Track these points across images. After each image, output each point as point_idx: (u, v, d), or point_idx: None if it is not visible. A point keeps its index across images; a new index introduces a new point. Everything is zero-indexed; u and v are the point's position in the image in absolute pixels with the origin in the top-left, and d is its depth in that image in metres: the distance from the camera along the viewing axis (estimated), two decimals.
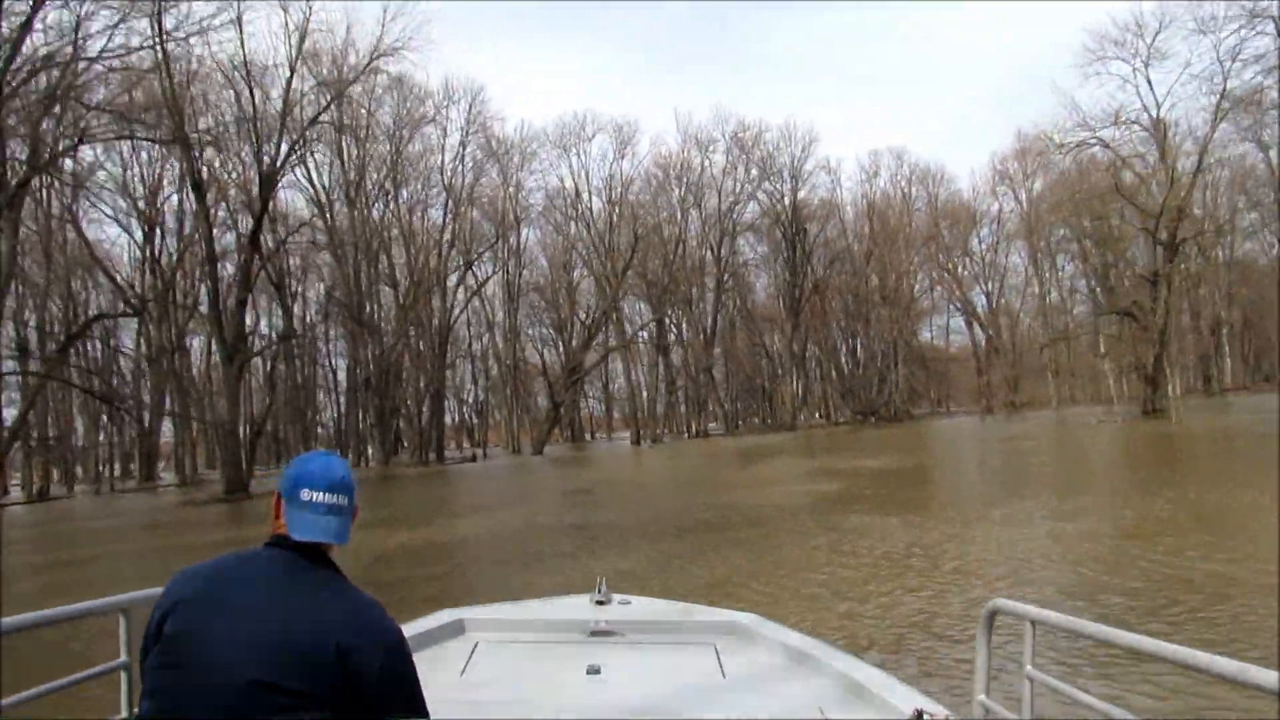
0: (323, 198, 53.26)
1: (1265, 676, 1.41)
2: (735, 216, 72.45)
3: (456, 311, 63.94)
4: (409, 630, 3.04)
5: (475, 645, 3.41)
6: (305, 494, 1.80)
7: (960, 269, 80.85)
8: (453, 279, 62.52)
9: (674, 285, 66.04)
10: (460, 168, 60.33)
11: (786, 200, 72.99)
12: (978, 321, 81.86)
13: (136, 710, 1.71)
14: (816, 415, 79.94)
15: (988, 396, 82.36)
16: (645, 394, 76.99)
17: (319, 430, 69.61)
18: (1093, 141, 42.99)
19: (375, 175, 56.07)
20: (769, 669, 3.06)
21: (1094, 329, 44.00)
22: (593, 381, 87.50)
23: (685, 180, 69.78)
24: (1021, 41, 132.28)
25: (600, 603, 3.90)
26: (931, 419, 76.06)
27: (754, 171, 71.92)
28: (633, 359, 78.89)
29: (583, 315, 69.73)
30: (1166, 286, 40.32)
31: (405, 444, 60.53)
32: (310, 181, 52.33)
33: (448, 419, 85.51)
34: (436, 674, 2.87)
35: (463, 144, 60.23)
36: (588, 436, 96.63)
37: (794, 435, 61.21)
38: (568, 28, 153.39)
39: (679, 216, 69.24)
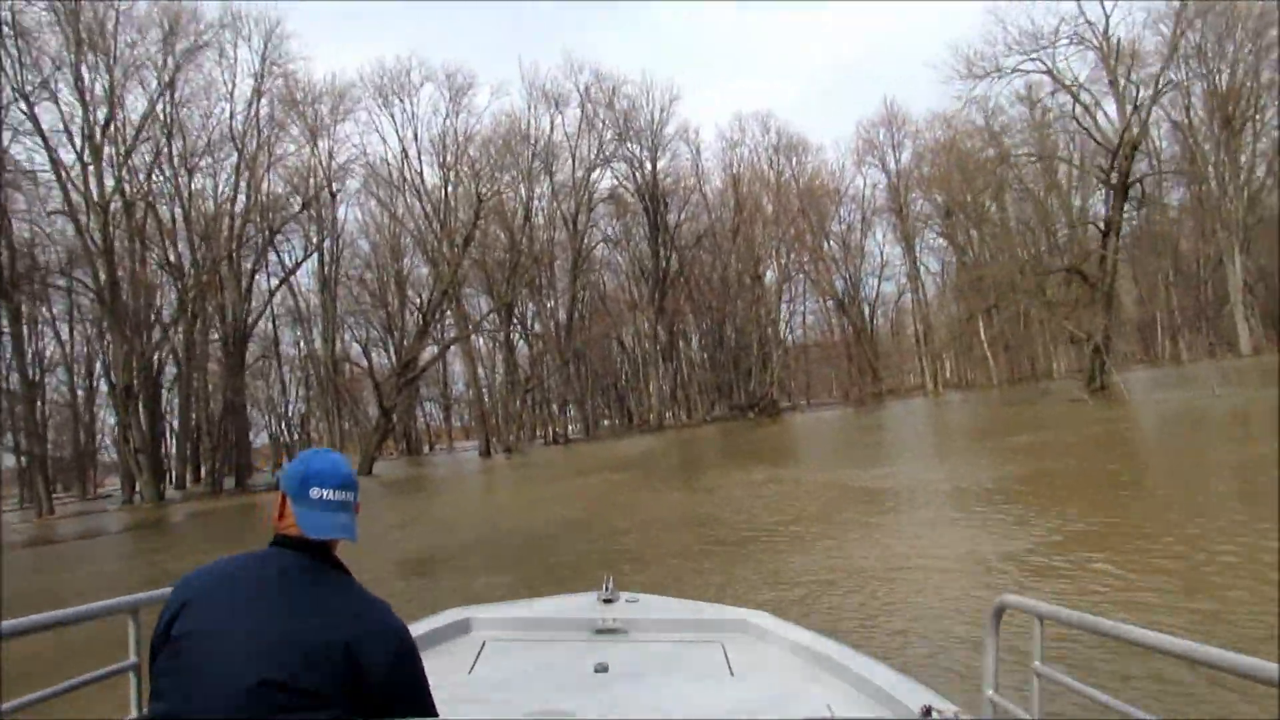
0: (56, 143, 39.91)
1: (1268, 669, 1.37)
2: (592, 186, 63.27)
3: (257, 303, 52.00)
4: (416, 629, 2.99)
5: (483, 644, 3.37)
6: (315, 492, 1.79)
7: (827, 247, 75.05)
8: (254, 263, 50.30)
9: (523, 267, 56.08)
10: (254, 119, 48.19)
11: (646, 168, 64.50)
12: (842, 307, 76.08)
13: (146, 711, 1.73)
14: (684, 413, 71.99)
15: (860, 386, 77.41)
16: (492, 396, 66.96)
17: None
18: (1030, 64, 36.11)
19: (133, 117, 43.16)
20: (778, 667, 3.04)
21: (1037, 289, 37.66)
22: (430, 384, 76.70)
23: (534, 141, 59.95)
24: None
25: (607, 600, 3.78)
26: (817, 410, 69.51)
27: (609, 134, 63.06)
28: (477, 356, 68.64)
29: (417, 303, 58.75)
30: (1115, 235, 34.24)
31: (202, 469, 48.00)
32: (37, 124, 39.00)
33: (263, 435, 73.20)
34: (444, 673, 2.71)
35: (257, 91, 48.12)
36: (426, 448, 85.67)
37: (661, 437, 53.05)
38: None
39: (526, 185, 59.21)
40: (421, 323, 46.85)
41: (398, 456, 77.34)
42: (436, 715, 1.80)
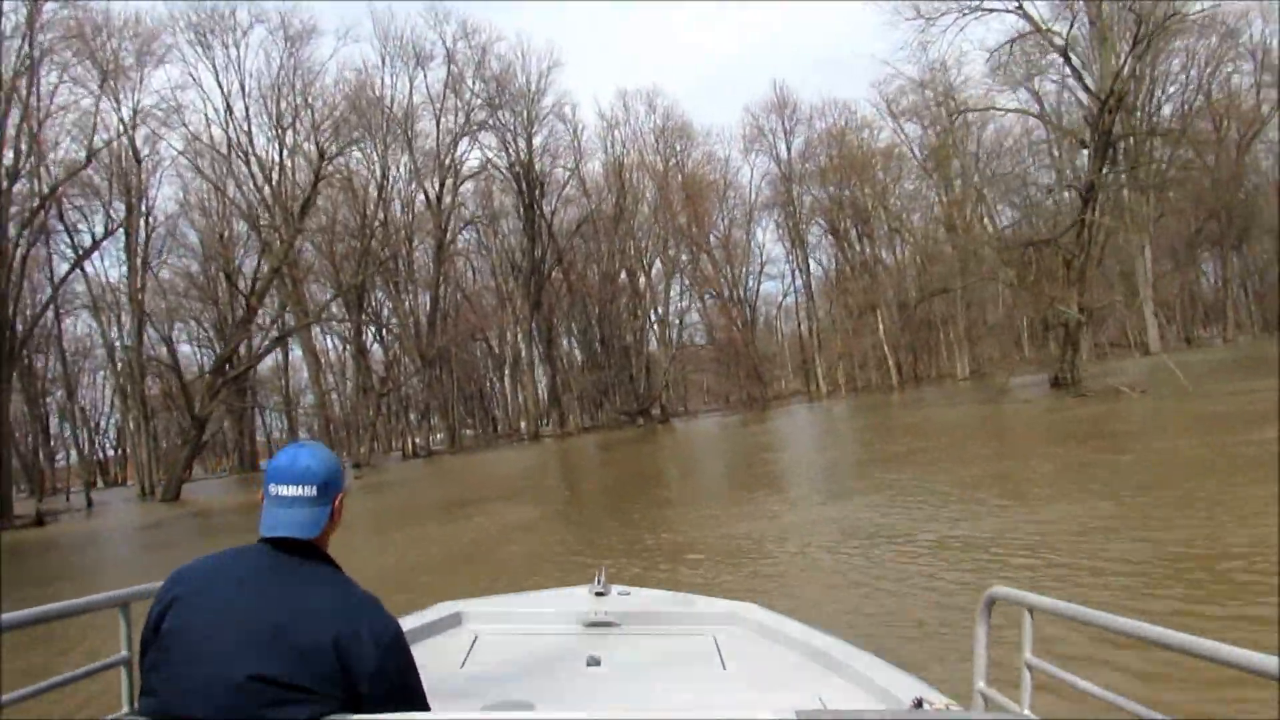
0: None
1: (1268, 662, 1.37)
2: (458, 160, 55.38)
3: (32, 290, 41.80)
4: (407, 623, 3.07)
5: (474, 637, 3.37)
6: (274, 488, 1.79)
7: (714, 240, 69.57)
8: (29, 237, 39.97)
9: (375, 250, 47.71)
10: (29, 59, 38.06)
11: (520, 144, 57.14)
12: (727, 306, 70.76)
13: (137, 706, 1.70)
14: (560, 421, 64.84)
15: (747, 391, 72.37)
16: (342, 404, 58.12)
17: None
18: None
19: None
20: (769, 658, 3.03)
21: (1019, 262, 32.56)
22: (272, 390, 66.85)
23: (389, 103, 51.59)
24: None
25: (599, 594, 3.78)
26: (708, 416, 63.61)
27: (479, 100, 55.38)
28: (326, 360, 59.57)
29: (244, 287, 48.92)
30: (1095, 201, 29.47)
31: None
32: None
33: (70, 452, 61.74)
34: (435, 666, 2.67)
35: (29, 25, 38.06)
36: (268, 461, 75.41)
37: (539, 449, 46.27)
38: None
39: (380, 153, 50.76)
40: (245, 311, 37.72)
41: (231, 474, 67.28)
42: (428, 709, 1.80)
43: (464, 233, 61.56)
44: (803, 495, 14.45)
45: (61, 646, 8.59)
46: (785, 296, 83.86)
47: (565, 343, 69.70)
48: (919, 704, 2.23)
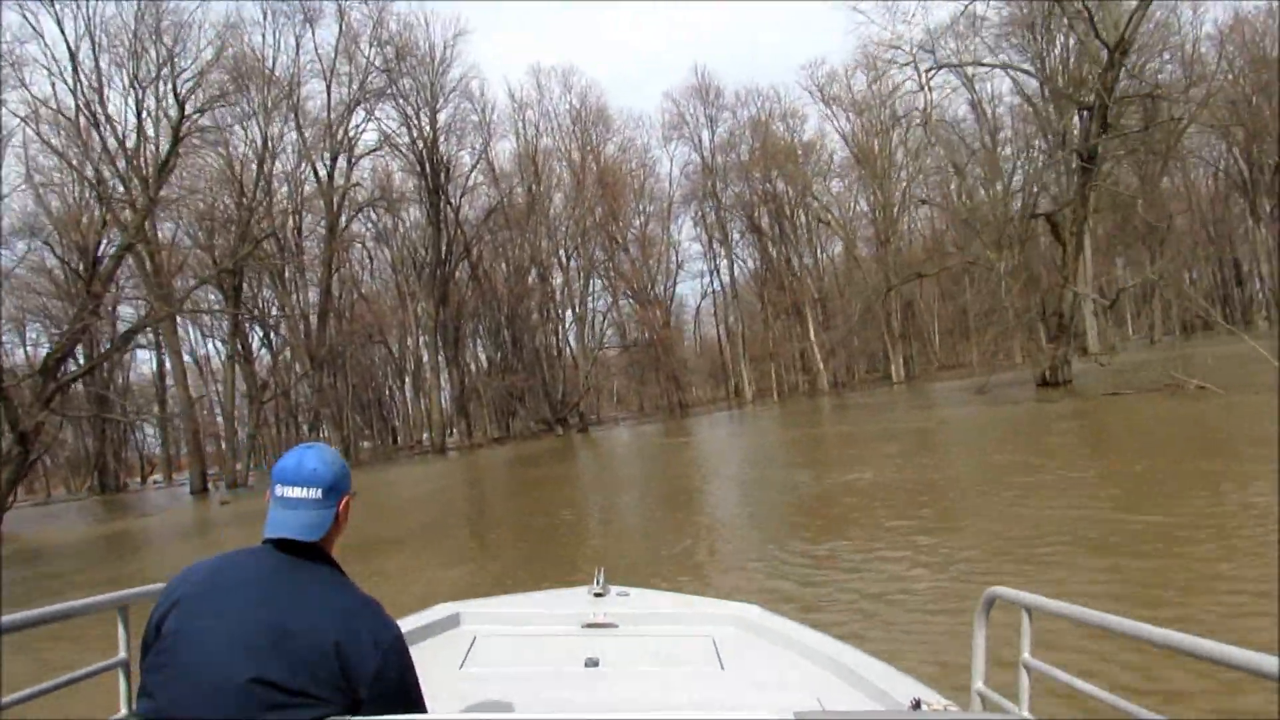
0: None
1: (1267, 662, 1.37)
2: (353, 134, 49.16)
3: None
4: (406, 624, 3.09)
5: (473, 638, 3.33)
6: (279, 490, 1.80)
7: (633, 233, 64.85)
8: None
9: (254, 231, 41.20)
10: None
11: (424, 120, 51.22)
12: (645, 306, 66.27)
13: (135, 708, 1.69)
14: (467, 431, 59.18)
15: (668, 396, 68.02)
16: (225, 414, 51.10)
17: None
18: None
19: None
20: (768, 660, 3.01)
21: (991, 247, 28.83)
22: (149, 399, 59.11)
23: (270, 63, 45.10)
24: None
25: (598, 595, 3.81)
26: (631, 425, 58.79)
27: (375, 66, 49.23)
28: (206, 368, 52.46)
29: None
30: (1093, 172, 25.85)
31: None
32: None
33: None
34: (434, 667, 2.74)
35: None
36: (138, 481, 67.31)
37: (447, 464, 40.92)
38: None
39: (261, 121, 44.18)
40: (86, 294, 30.90)
41: (89, 495, 59.05)
42: (426, 711, 1.80)
43: (361, 221, 55.22)
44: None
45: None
46: (704, 297, 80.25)
47: (473, 345, 64.09)
48: (917, 705, 2.22)
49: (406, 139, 50.99)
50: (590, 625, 3.45)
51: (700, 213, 69.27)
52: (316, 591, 1.72)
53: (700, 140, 66.04)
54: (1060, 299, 26.93)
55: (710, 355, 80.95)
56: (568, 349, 61.31)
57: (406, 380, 69.01)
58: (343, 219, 48.12)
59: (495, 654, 3.16)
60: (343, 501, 1.86)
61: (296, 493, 1.79)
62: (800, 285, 65.60)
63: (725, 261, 68.16)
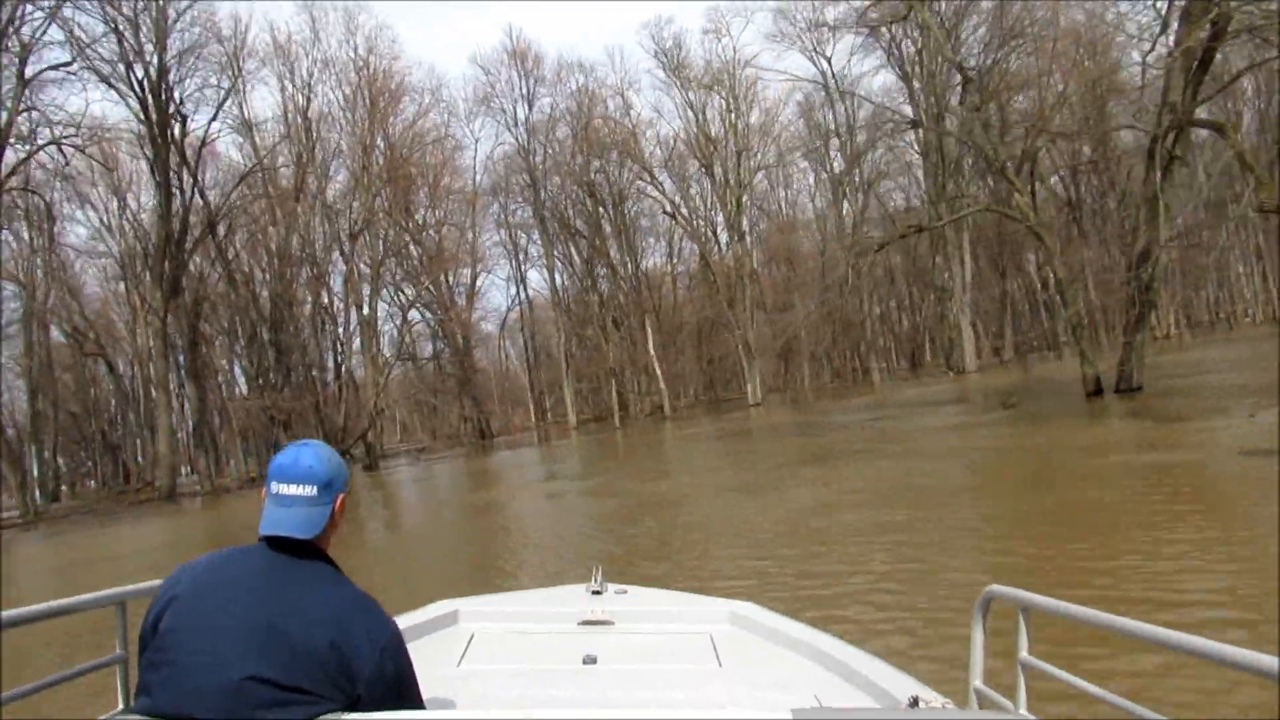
0: None
1: (1267, 661, 1.37)
2: (30, 39, 34.57)
3: None
4: (403, 621, 3.05)
5: (470, 636, 3.29)
6: (274, 487, 1.79)
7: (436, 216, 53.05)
8: None
9: None
10: None
11: (144, 35, 37.09)
12: (443, 320, 54.76)
13: (133, 705, 1.70)
14: (209, 469, 45.23)
15: (473, 424, 56.70)
16: None
17: None
18: None
19: None
20: (766, 657, 3.01)
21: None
22: None
23: None
24: None
25: (596, 592, 3.79)
26: (427, 461, 46.56)
27: None
28: None
29: None
30: (1195, 86, 17.64)
31: None
32: None
33: None
34: (431, 665, 2.60)
35: None
36: None
37: (172, 523, 28.68)
38: None
39: None
40: None
41: None
42: (423, 708, 1.81)
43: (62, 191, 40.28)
44: None
45: None
46: (510, 308, 69.50)
47: (231, 359, 50.12)
48: (915, 703, 2.23)
49: (115, 55, 36.45)
50: (588, 622, 3.42)
51: (505, 205, 58.84)
52: (313, 589, 1.71)
53: (515, 117, 55.47)
54: (1147, 266, 18.28)
55: (544, 374, 69.99)
56: (353, 364, 48.75)
57: (141, 403, 53.76)
58: (7, 155, 33.25)
59: (493, 651, 3.14)
60: (338, 499, 1.84)
61: (292, 490, 1.77)
62: (637, 292, 56.46)
63: (545, 264, 57.46)
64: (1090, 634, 4.46)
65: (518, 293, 67.83)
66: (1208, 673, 4.38)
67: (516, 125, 55.04)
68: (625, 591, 3.85)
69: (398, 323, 50.26)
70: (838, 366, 75.22)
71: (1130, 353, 19.10)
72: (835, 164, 59.99)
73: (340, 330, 47.91)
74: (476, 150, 71.33)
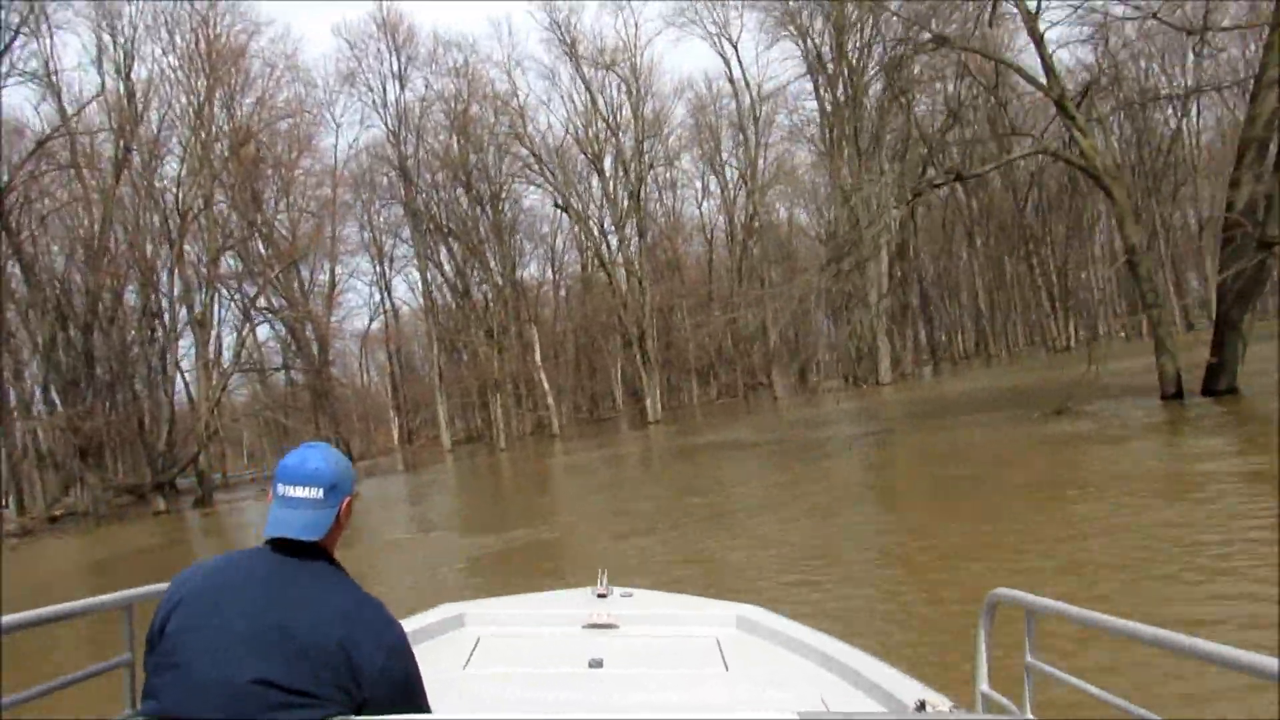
0: None
1: (1267, 663, 1.35)
2: None
3: None
4: (410, 624, 3.02)
5: (477, 639, 3.33)
6: (280, 489, 1.79)
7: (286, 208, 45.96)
8: None
9: None
10: None
11: None
12: (292, 331, 47.91)
13: (140, 708, 1.70)
14: (15, 504, 36.89)
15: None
16: None
17: None
18: None
19: None
20: (772, 661, 3.02)
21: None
22: None
23: None
24: None
25: (602, 596, 3.80)
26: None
27: None
28: None
29: None
30: None
31: None
32: None
33: None
34: (437, 668, 2.65)
35: None
36: None
37: None
38: None
39: None
40: None
41: None
42: (430, 711, 1.79)
43: None
44: None
45: None
46: (373, 318, 62.57)
47: (27, 372, 41.43)
48: (921, 706, 2.21)
49: None
50: (594, 626, 3.41)
51: (370, 201, 52.35)
52: (319, 591, 1.70)
53: (385, 98, 49.06)
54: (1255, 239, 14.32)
55: (410, 390, 63.14)
56: (181, 378, 41.17)
57: None
58: None
59: (499, 655, 3.15)
60: (344, 502, 1.82)
61: (298, 492, 1.76)
62: (518, 298, 50.85)
63: (417, 265, 51.08)
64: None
65: (382, 300, 61.17)
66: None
67: (385, 108, 48.63)
68: (630, 594, 3.82)
69: (240, 328, 42.67)
70: (726, 382, 71.84)
71: (1228, 343, 15.29)
72: (736, 162, 56.35)
73: (165, 335, 40.23)
74: (338, 137, 64.22)
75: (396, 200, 51.24)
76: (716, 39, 49.22)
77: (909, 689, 2.41)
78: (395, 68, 48.24)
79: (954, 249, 59.60)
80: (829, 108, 46.51)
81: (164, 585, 1.87)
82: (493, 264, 51.64)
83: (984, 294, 58.73)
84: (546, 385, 47.47)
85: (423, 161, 49.84)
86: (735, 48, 50.71)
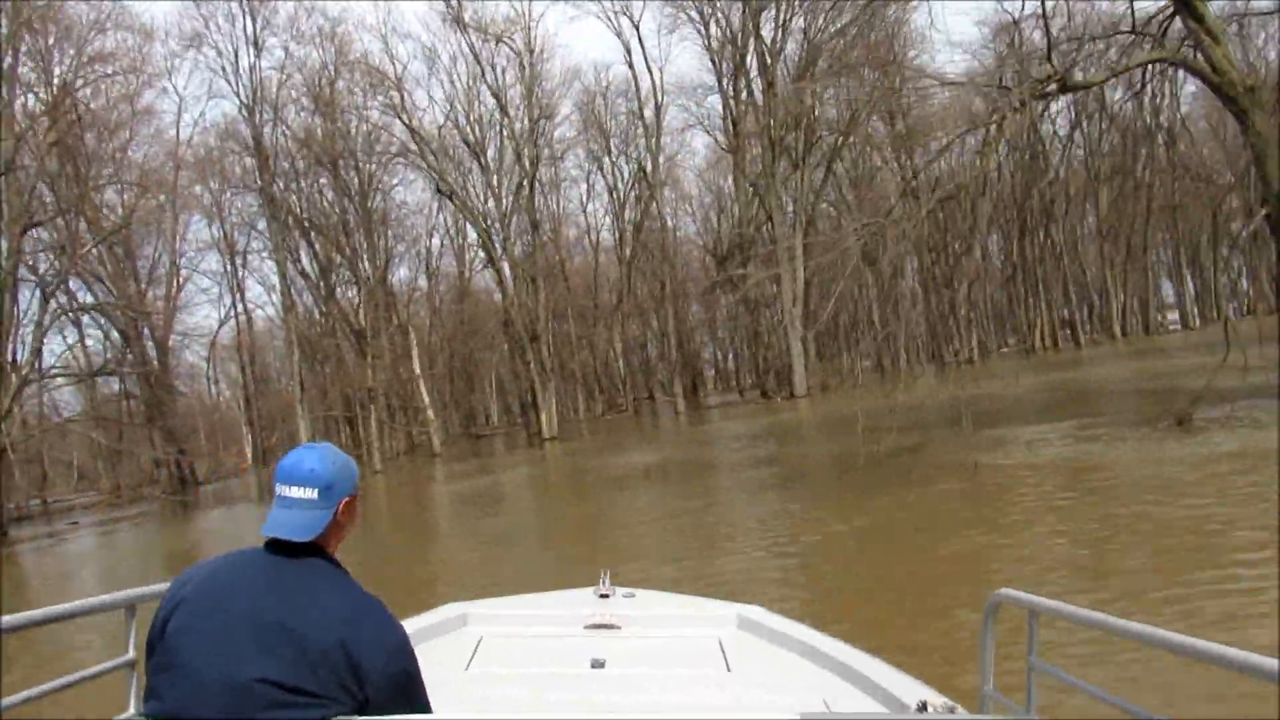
0: None
1: (1267, 664, 1.37)
2: None
3: None
4: (412, 624, 3.09)
5: (479, 639, 3.34)
6: (279, 489, 1.79)
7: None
8: None
9: None
10: None
11: None
12: (126, 339, 41.12)
13: (142, 708, 1.70)
14: None
15: (165, 472, 42.85)
16: None
17: None
18: None
19: None
20: (773, 661, 3.03)
21: None
22: None
23: None
24: None
25: (604, 596, 3.81)
26: (101, 529, 32.11)
27: None
28: None
29: None
30: None
31: None
32: None
33: None
34: (440, 668, 2.70)
35: None
36: None
37: None
38: None
39: None
40: None
41: None
42: (431, 711, 1.79)
43: None
44: None
45: None
46: (223, 322, 55.66)
47: None
48: (923, 707, 2.21)
49: None
50: (596, 626, 3.40)
51: (220, 190, 45.79)
52: (320, 591, 1.70)
53: (238, 65, 42.46)
54: None
55: (267, 404, 56.18)
56: None
57: None
58: None
59: (501, 655, 3.13)
60: (342, 503, 1.81)
61: (294, 492, 1.75)
62: (394, 303, 45.16)
63: (275, 258, 44.55)
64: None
65: (234, 302, 54.17)
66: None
67: (237, 76, 42.10)
68: (633, 595, 3.83)
69: (44, 321, 35.49)
70: (609, 395, 67.93)
71: None
72: (628, 160, 52.40)
73: None
74: (181, 110, 56.59)
75: (251, 188, 44.86)
76: (614, 18, 45.18)
77: (911, 689, 2.39)
78: (249, 30, 41.75)
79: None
80: (739, 96, 43.01)
81: (165, 585, 1.84)
82: (362, 262, 45.71)
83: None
84: (427, 398, 41.95)
85: (281, 148, 43.63)
86: (637, 28, 46.82)
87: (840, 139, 41.87)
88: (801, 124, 38.84)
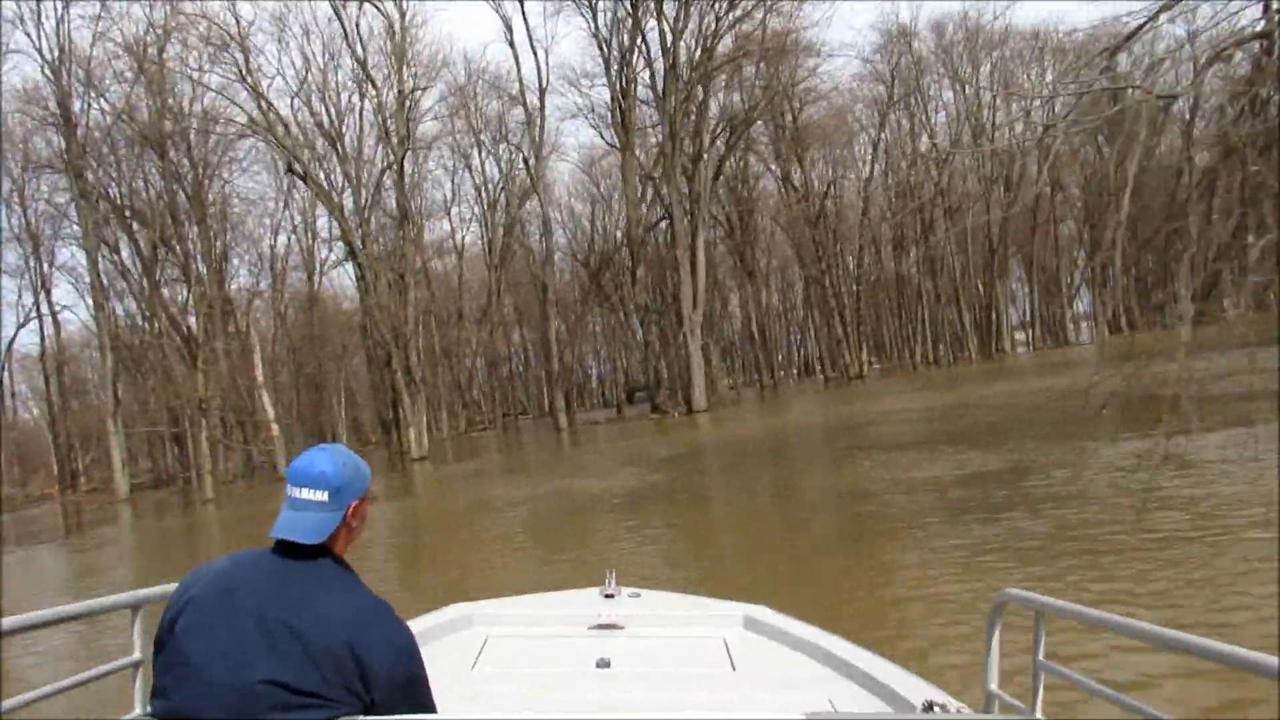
0: None
1: (1267, 662, 1.38)
2: None
3: None
4: (418, 624, 3.04)
5: (484, 640, 3.31)
6: (290, 490, 1.79)
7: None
8: None
9: None
10: None
11: None
12: None
13: (149, 708, 1.70)
14: None
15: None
16: None
17: None
18: None
19: None
20: (779, 661, 3.00)
21: None
22: None
23: None
24: None
25: (609, 596, 3.78)
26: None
27: None
28: None
29: None
30: None
31: None
32: None
33: None
34: (445, 668, 2.65)
35: None
36: None
37: None
38: None
39: None
40: None
41: None
42: (437, 712, 1.79)
43: None
44: None
45: None
46: (23, 324, 48.79)
47: None
48: (929, 707, 2.19)
49: None
50: (601, 626, 3.38)
51: (21, 172, 39.35)
52: (326, 593, 1.69)
53: (39, 16, 35.81)
54: None
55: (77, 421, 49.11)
56: None
57: None
58: None
59: (506, 655, 3.12)
60: (351, 506, 1.81)
61: (305, 494, 1.76)
62: (230, 303, 39.31)
63: (85, 250, 37.90)
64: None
65: (37, 303, 47.03)
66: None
67: (40, 26, 35.55)
68: (638, 595, 3.81)
69: None
70: (471, 411, 63.49)
71: None
72: (505, 150, 48.35)
73: None
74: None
75: (56, 168, 38.26)
76: None
77: (917, 689, 2.38)
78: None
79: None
80: (630, 84, 39.71)
81: (171, 586, 1.83)
82: (195, 259, 39.62)
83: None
84: (271, 411, 36.40)
85: (96, 121, 37.28)
86: (521, 3, 42.83)
87: (743, 128, 39.33)
88: (706, 110, 36.01)
